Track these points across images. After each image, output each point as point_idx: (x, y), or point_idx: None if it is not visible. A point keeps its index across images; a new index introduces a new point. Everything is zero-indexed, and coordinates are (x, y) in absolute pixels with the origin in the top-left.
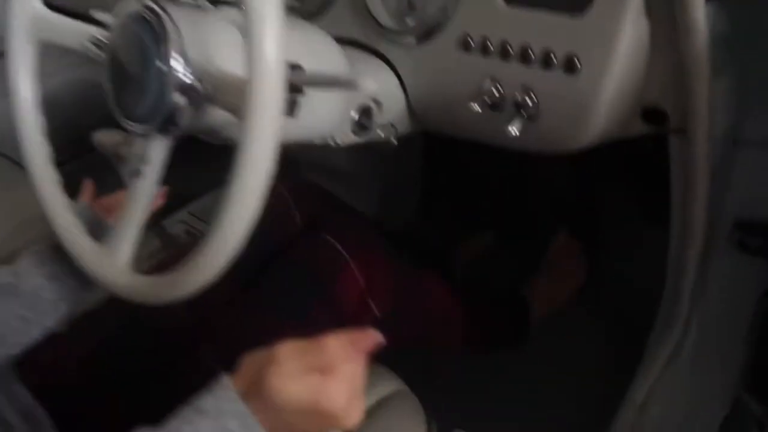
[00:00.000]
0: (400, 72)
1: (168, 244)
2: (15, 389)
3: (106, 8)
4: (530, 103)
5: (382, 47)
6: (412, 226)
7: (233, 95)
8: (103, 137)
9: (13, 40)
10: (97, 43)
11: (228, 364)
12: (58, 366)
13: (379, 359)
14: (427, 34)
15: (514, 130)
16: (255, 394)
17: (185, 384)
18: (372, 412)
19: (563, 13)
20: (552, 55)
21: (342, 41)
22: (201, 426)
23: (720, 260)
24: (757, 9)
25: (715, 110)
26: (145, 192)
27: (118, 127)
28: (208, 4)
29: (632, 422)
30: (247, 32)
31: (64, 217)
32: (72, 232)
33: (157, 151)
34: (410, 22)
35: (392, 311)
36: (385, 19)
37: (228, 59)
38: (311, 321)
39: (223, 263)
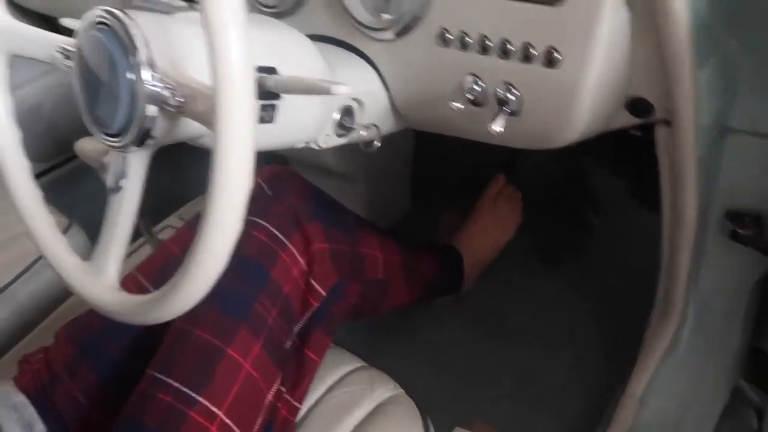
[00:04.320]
0: (380, 69)
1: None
2: (17, 401)
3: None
4: (513, 99)
5: (360, 44)
6: (404, 223)
7: (203, 105)
8: (86, 145)
9: None
10: (66, 54)
11: (169, 368)
12: (52, 375)
13: (335, 340)
14: (404, 29)
15: (497, 127)
16: None
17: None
18: (370, 419)
19: (541, 3)
20: (531, 48)
21: (318, 39)
22: None
23: (713, 250)
24: None
25: (701, 99)
26: (127, 208)
27: None
28: (180, 6)
29: (632, 416)
30: (207, 37)
31: (48, 235)
32: (56, 250)
33: (135, 165)
34: (387, 17)
35: (336, 286)
36: (361, 14)
37: (199, 67)
38: (256, 315)
39: (209, 282)
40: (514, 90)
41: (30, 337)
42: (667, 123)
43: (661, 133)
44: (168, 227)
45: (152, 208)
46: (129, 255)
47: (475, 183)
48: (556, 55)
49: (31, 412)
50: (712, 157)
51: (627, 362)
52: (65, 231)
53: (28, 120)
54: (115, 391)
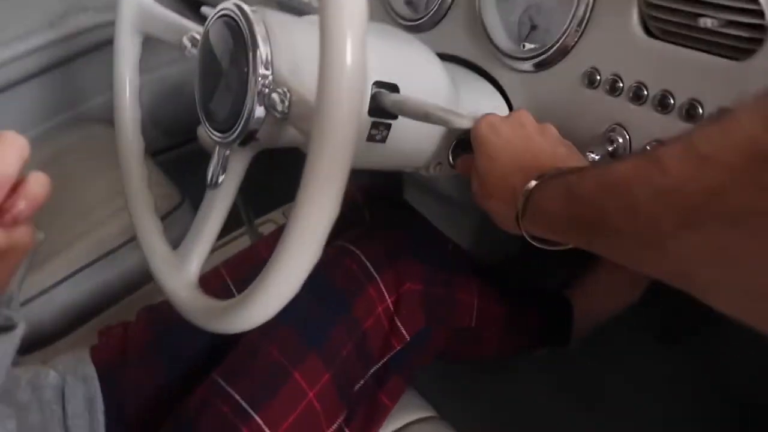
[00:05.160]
0: (512, 100)
1: None
2: (87, 373)
3: None
4: None
5: (495, 71)
6: (516, 261)
7: (308, 116)
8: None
9: (120, 30)
10: (193, 42)
11: (234, 378)
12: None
13: (412, 382)
14: (547, 62)
15: None
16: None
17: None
18: None
19: (722, 55)
20: (698, 106)
21: (449, 58)
22: None
23: None
24: None
25: None
26: (220, 204)
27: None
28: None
29: None
30: (321, 41)
31: (145, 217)
32: (149, 234)
33: (236, 163)
34: (530, 46)
35: (422, 331)
36: (502, 40)
37: (314, 76)
38: (330, 344)
39: (280, 302)
40: None
41: (121, 305)
42: None
43: None
44: (270, 221)
45: (257, 200)
46: (225, 244)
47: None
48: None
49: (96, 386)
50: None
51: None
52: (176, 207)
53: (170, 96)
54: (178, 385)
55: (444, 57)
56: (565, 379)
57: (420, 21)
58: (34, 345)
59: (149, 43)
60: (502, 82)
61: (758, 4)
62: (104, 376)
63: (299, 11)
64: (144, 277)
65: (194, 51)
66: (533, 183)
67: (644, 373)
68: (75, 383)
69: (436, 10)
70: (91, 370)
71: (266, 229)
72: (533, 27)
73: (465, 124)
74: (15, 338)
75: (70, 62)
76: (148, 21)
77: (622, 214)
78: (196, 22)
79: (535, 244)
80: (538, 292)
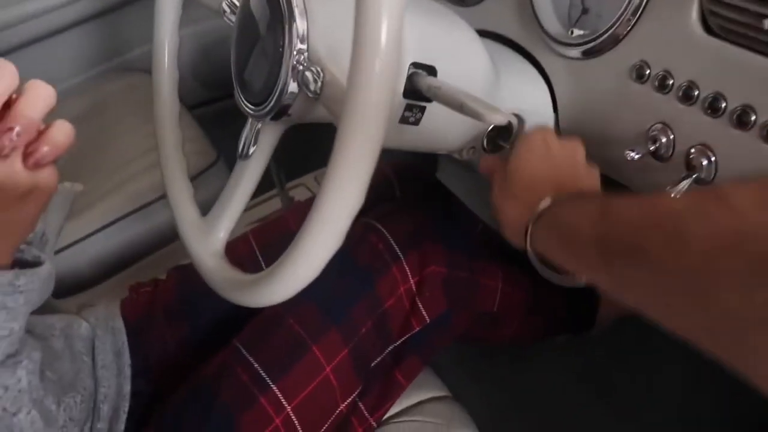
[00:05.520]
0: (555, 87)
1: (288, 208)
2: (116, 326)
3: None
4: (706, 164)
5: (540, 54)
6: None
7: (337, 102)
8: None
9: None
10: (232, 9)
11: (254, 346)
12: (152, 312)
13: (428, 362)
14: (596, 50)
15: (676, 194)
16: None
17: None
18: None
19: None
20: (752, 113)
21: (493, 36)
22: None
23: None
24: None
25: None
26: (249, 175)
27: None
28: None
29: None
30: (356, 17)
31: (176, 180)
32: (179, 197)
33: (267, 136)
34: (579, 32)
35: (444, 313)
36: (551, 23)
37: (347, 55)
38: (350, 321)
39: (302, 284)
40: (711, 155)
41: (152, 258)
42: None
43: None
44: (302, 185)
45: (290, 163)
46: (257, 205)
47: None
48: None
49: (124, 340)
50: None
51: None
52: (210, 166)
53: (211, 51)
54: (200, 347)
55: (486, 34)
56: (580, 369)
57: None
58: (70, 290)
59: None
60: (546, 67)
61: None
62: (132, 330)
63: None
64: (175, 234)
65: (232, 17)
66: (564, 195)
67: (660, 369)
68: (105, 335)
69: None
70: (119, 324)
71: (297, 192)
72: (584, 11)
73: (499, 120)
74: (39, 274)
75: (113, 11)
76: None
77: (670, 247)
78: None
79: (532, 261)
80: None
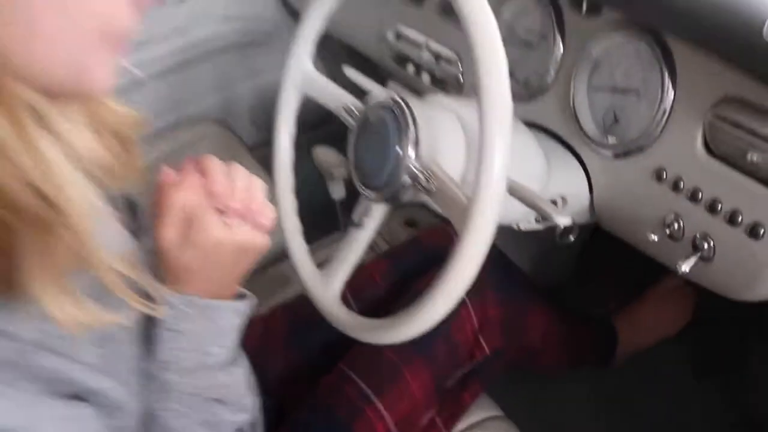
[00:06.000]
0: (591, 176)
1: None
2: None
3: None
4: (706, 247)
5: (580, 149)
6: (564, 287)
7: (452, 207)
8: (321, 154)
9: (284, 88)
10: (349, 112)
11: (359, 368)
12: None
13: (485, 389)
14: (624, 154)
15: (685, 266)
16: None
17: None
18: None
19: (763, 183)
20: (739, 216)
21: (541, 129)
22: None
23: None
24: None
25: None
26: (361, 241)
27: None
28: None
29: None
30: (480, 148)
31: (296, 239)
32: (300, 253)
33: (377, 213)
34: (611, 138)
35: (501, 347)
36: (589, 126)
37: (451, 160)
38: (432, 351)
39: (417, 334)
40: (711, 241)
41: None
42: None
43: None
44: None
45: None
46: (326, 246)
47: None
48: (761, 230)
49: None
50: None
51: None
52: None
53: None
54: (313, 374)
55: (534, 125)
56: (599, 396)
57: (525, 91)
58: None
59: (254, 50)
60: (584, 157)
61: None
62: (250, 359)
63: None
64: (276, 256)
65: (348, 119)
66: None
67: (679, 403)
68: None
69: (538, 86)
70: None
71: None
72: (616, 120)
73: (563, 222)
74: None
75: (189, 65)
76: (310, 85)
77: None
78: (352, 92)
79: None
80: (589, 317)
